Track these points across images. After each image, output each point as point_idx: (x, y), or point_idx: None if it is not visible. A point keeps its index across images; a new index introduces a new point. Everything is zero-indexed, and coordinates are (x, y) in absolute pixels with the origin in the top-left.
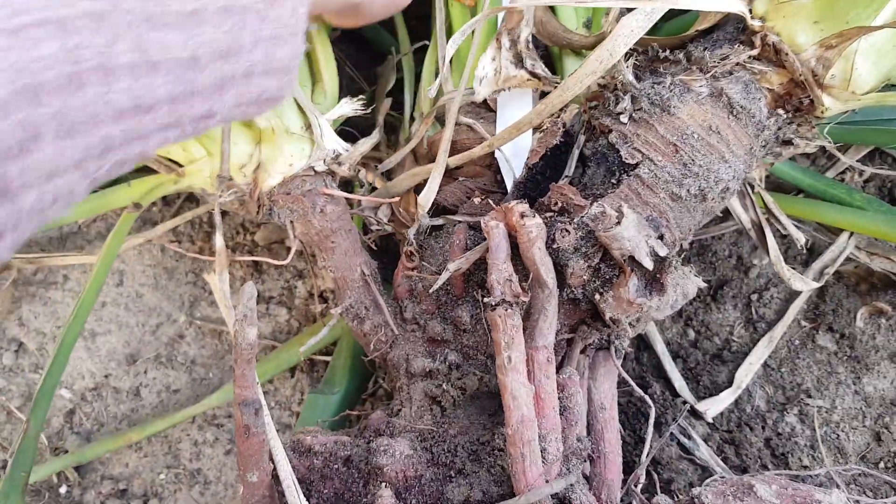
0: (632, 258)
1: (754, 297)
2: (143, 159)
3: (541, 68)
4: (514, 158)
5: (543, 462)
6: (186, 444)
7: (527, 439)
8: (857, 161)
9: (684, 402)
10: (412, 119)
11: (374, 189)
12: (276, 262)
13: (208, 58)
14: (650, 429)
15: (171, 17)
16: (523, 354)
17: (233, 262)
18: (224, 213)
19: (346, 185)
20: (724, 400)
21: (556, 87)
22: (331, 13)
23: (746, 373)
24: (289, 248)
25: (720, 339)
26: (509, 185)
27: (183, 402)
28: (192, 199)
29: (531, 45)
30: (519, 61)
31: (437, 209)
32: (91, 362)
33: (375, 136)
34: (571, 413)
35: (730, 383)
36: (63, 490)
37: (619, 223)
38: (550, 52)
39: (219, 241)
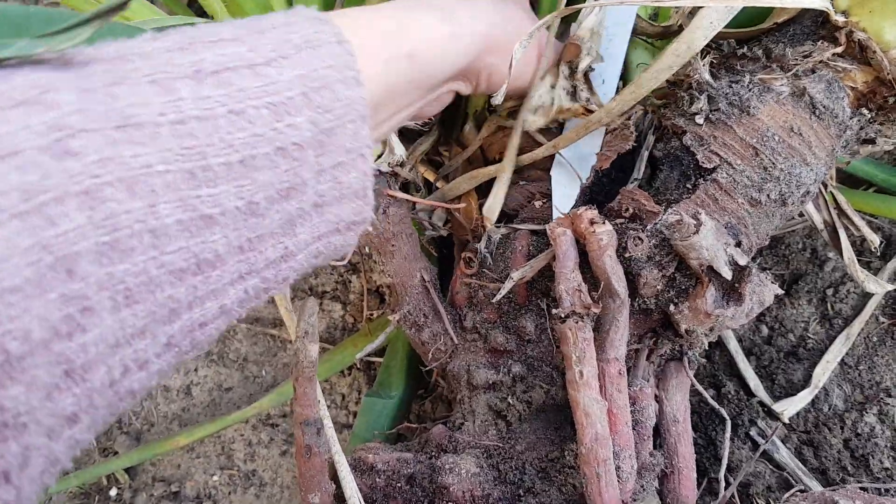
0: (710, 268)
1: (829, 291)
2: (232, 316)
3: (596, 103)
4: (575, 162)
5: (618, 480)
6: (240, 444)
7: (602, 458)
8: None
9: (760, 402)
10: (466, 115)
11: (429, 189)
12: (332, 262)
13: (268, 201)
14: (726, 443)
15: (217, 170)
16: (595, 369)
17: None
18: None
19: (404, 186)
20: (802, 400)
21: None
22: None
23: (823, 371)
24: None
25: (795, 335)
26: (560, 189)
27: (235, 401)
28: None
29: (590, 77)
30: (573, 93)
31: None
32: None
33: (434, 134)
34: (643, 427)
35: (806, 382)
36: (113, 493)
37: (697, 231)
38: None
39: None
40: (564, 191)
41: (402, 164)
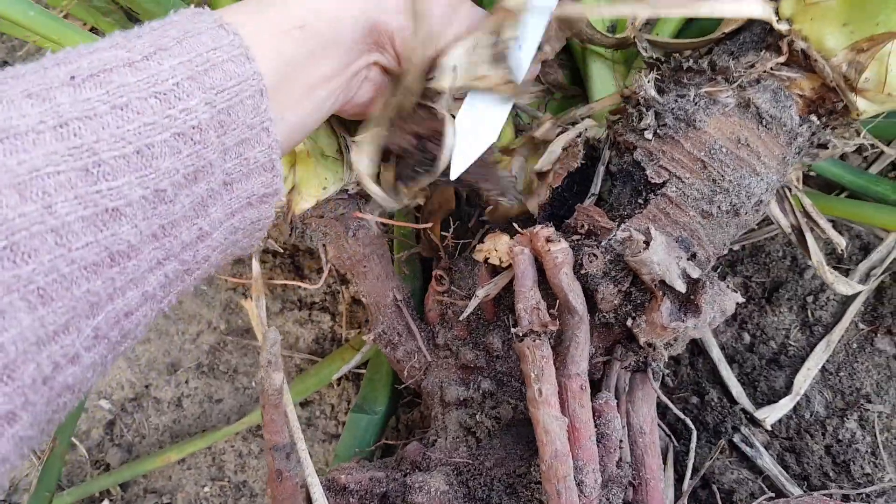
0: (663, 282)
1: (810, 299)
2: (159, 301)
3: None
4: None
5: (581, 495)
6: (231, 455)
7: (561, 475)
8: None
9: (742, 409)
10: None
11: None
12: (305, 286)
13: (175, 187)
14: (692, 452)
15: (112, 164)
16: (555, 386)
17: (273, 267)
18: None
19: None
20: (784, 407)
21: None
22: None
23: (805, 378)
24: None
25: (776, 342)
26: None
27: (226, 412)
28: None
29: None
30: (499, 61)
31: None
32: (131, 372)
33: None
34: (609, 440)
35: (787, 388)
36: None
37: (647, 247)
38: (573, 52)
39: (255, 267)
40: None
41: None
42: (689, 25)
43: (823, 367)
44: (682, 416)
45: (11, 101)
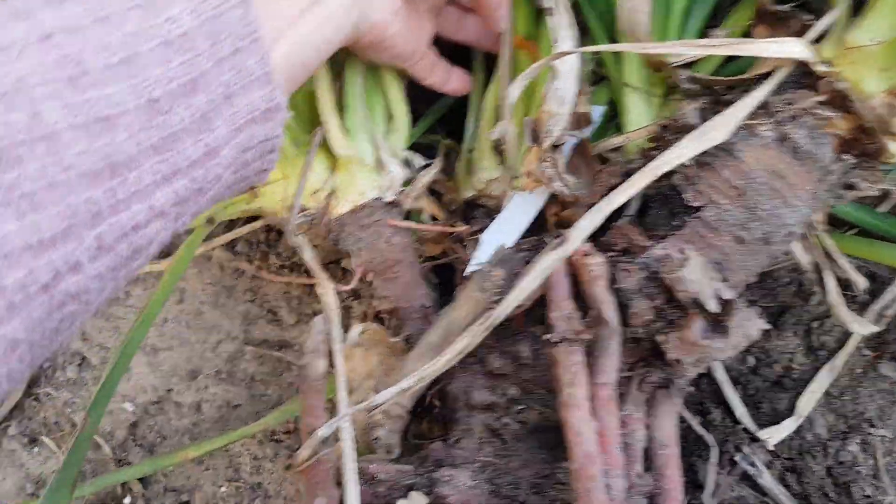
0: (696, 301)
1: (815, 324)
2: (170, 219)
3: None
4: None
5: (608, 497)
6: (246, 458)
7: (591, 474)
8: None
9: (745, 429)
10: (471, 149)
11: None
12: (343, 287)
13: (170, 96)
14: (712, 468)
15: (101, 72)
16: (586, 391)
17: (289, 282)
18: (279, 233)
19: (408, 215)
20: (786, 428)
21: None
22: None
23: (808, 401)
24: (343, 269)
25: (781, 366)
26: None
27: (243, 418)
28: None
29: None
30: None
31: None
32: (154, 377)
33: (437, 167)
34: (633, 450)
35: (790, 411)
36: (127, 501)
37: (684, 266)
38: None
39: (308, 255)
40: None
41: (405, 195)
42: (726, 64)
43: (827, 391)
44: (704, 432)
45: None
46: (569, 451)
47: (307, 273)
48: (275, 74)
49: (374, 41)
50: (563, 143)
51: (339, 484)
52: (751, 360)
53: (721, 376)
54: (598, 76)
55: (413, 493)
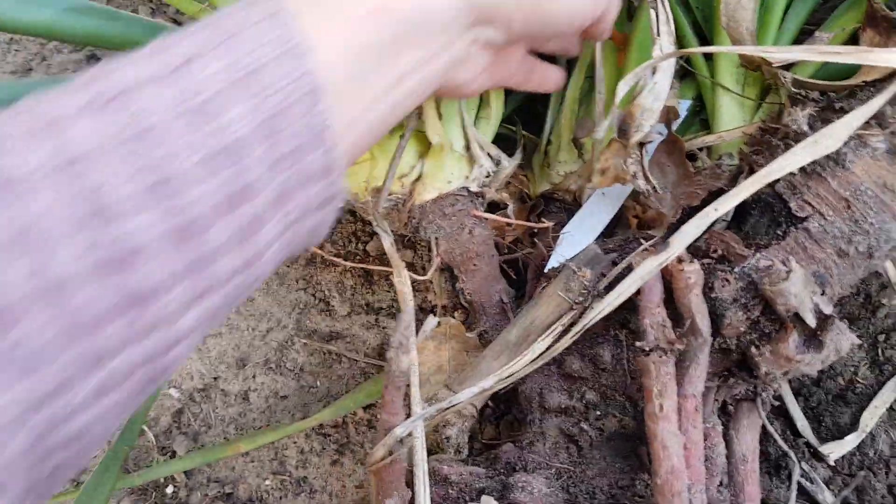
0: (795, 314)
1: (881, 337)
2: (191, 342)
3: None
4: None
5: None
6: (293, 451)
7: (676, 490)
8: None
9: (806, 443)
10: (549, 142)
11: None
12: (418, 277)
13: (207, 216)
14: (794, 485)
15: (125, 202)
16: (675, 403)
17: (344, 271)
18: (338, 221)
19: (491, 207)
20: (849, 443)
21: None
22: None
23: (871, 416)
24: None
25: (844, 378)
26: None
27: (290, 409)
28: None
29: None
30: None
31: None
32: (201, 364)
33: (517, 159)
34: (713, 463)
35: (853, 425)
36: (169, 490)
37: (787, 278)
38: (700, 87)
39: (386, 244)
40: (586, 225)
41: (489, 186)
42: (822, 68)
43: (891, 406)
44: (786, 447)
45: (14, 140)
46: (654, 463)
47: (361, 262)
48: (338, 161)
49: (456, 92)
50: (650, 141)
51: (408, 484)
52: (814, 372)
53: (784, 387)
54: (685, 70)
55: (485, 498)
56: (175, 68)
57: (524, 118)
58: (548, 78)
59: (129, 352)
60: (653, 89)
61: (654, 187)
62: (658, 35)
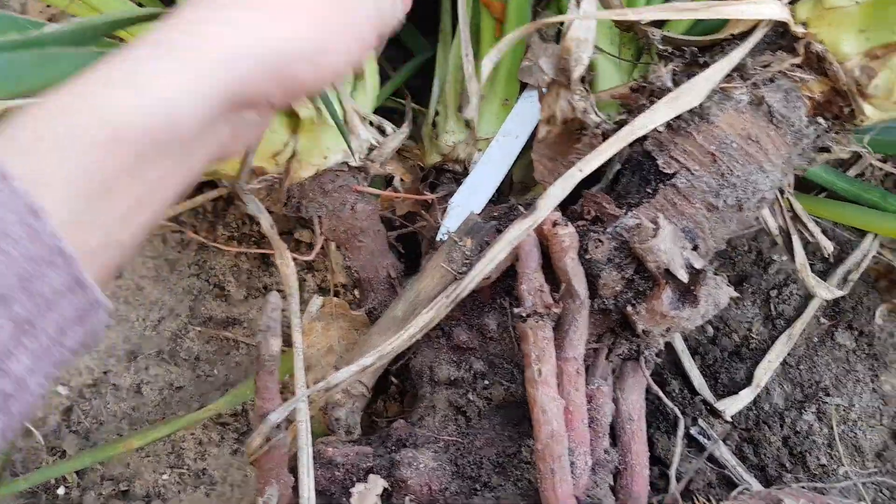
0: (667, 270)
1: (773, 293)
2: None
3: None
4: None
5: (572, 476)
6: (190, 443)
7: (557, 454)
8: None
9: (703, 401)
10: (437, 113)
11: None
12: (302, 258)
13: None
14: (679, 441)
15: None
16: (554, 367)
17: (239, 253)
18: (230, 202)
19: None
20: (743, 398)
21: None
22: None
23: (765, 370)
24: (297, 240)
25: (739, 335)
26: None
27: (187, 400)
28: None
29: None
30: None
31: None
32: (89, 358)
33: (405, 131)
34: (599, 424)
35: (748, 381)
36: (61, 491)
37: (655, 235)
38: None
39: (268, 229)
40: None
41: (371, 160)
42: (697, 24)
43: (784, 360)
44: (672, 405)
45: None
46: (534, 429)
47: (257, 245)
48: (85, 275)
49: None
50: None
51: (293, 470)
52: (709, 330)
53: (680, 346)
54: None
55: (372, 477)
56: None
57: (417, 90)
58: None
59: None
60: (581, 24)
61: (599, 118)
62: None
